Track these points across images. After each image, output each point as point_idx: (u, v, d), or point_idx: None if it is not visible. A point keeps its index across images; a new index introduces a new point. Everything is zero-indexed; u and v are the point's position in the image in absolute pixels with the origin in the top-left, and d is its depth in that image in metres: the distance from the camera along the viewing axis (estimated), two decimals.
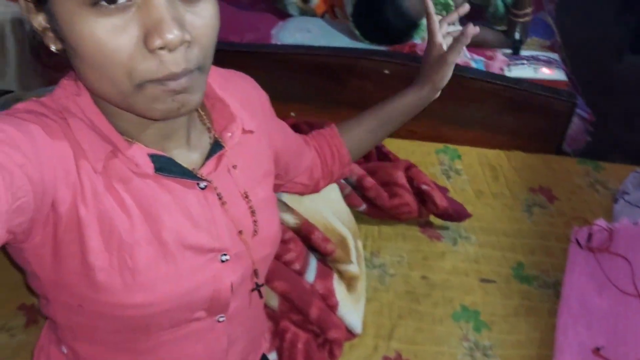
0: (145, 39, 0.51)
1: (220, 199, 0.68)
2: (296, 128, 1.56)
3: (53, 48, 0.56)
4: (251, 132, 0.72)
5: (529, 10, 1.83)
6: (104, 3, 0.49)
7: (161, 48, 0.51)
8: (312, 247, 1.16)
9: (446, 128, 1.61)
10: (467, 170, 1.54)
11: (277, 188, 0.91)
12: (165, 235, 0.63)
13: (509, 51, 1.88)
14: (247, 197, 0.71)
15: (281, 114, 1.68)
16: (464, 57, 1.70)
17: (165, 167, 0.63)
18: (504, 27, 1.95)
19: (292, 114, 1.70)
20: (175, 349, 0.71)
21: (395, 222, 1.39)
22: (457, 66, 1.54)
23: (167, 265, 0.63)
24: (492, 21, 2.09)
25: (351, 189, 1.36)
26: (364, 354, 1.12)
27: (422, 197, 1.35)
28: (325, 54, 1.61)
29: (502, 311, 1.20)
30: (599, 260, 1.23)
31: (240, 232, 0.70)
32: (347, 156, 0.97)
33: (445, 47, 0.93)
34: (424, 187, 1.34)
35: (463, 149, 1.59)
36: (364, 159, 1.51)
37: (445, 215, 1.35)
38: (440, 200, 1.33)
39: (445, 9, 1.91)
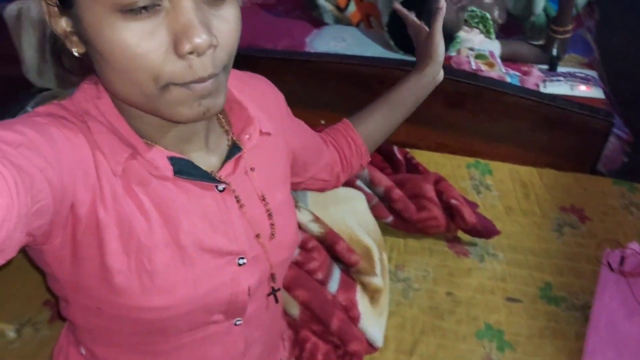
0: (175, 44, 0.51)
1: (238, 201, 0.68)
2: None
3: (75, 52, 0.57)
4: (268, 134, 0.73)
5: (569, 27, 1.80)
6: (134, 8, 0.50)
7: (190, 52, 0.51)
8: (336, 257, 1.16)
9: (478, 142, 1.59)
10: (497, 186, 1.51)
11: (297, 186, 0.92)
12: (183, 238, 0.63)
13: (545, 67, 1.85)
14: (264, 199, 0.72)
15: (311, 121, 1.69)
16: (499, 71, 1.67)
17: (184, 169, 0.63)
18: (541, 42, 1.93)
19: (322, 121, 1.69)
20: (192, 351, 0.71)
21: (422, 236, 1.37)
22: (491, 80, 1.54)
23: (184, 268, 0.63)
24: (530, 34, 2.06)
25: (378, 200, 1.35)
26: None
27: (451, 212, 1.33)
28: (357, 63, 1.60)
29: (527, 332, 1.17)
30: (631, 285, 1.19)
31: (257, 235, 0.70)
32: (363, 147, 0.98)
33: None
34: (453, 201, 1.32)
35: (494, 164, 1.56)
36: (393, 170, 1.50)
37: (473, 231, 1.33)
38: (469, 215, 1.31)
39: (482, 22, 1.89)
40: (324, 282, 1.11)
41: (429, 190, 1.34)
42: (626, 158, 1.67)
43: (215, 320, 0.70)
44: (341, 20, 2.03)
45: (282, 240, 0.74)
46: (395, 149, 1.52)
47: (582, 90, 1.70)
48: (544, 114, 1.47)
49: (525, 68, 1.83)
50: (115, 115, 0.60)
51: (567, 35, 1.82)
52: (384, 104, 0.98)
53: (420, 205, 1.33)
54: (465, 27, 1.89)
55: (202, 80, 0.53)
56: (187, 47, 0.51)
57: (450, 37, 1.79)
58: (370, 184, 1.36)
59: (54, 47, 0.60)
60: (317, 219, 1.17)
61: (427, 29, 0.98)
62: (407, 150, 1.56)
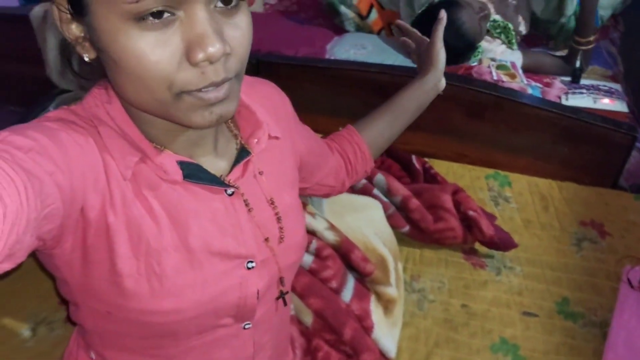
0: (188, 52, 0.52)
1: (247, 205, 0.69)
2: None
3: (86, 57, 0.57)
4: (277, 138, 0.73)
5: (592, 38, 1.78)
6: (149, 18, 0.50)
7: (202, 61, 0.52)
8: (351, 265, 1.15)
9: (498, 153, 1.58)
10: (516, 198, 1.50)
11: (303, 191, 0.92)
12: (192, 241, 0.64)
13: (568, 79, 1.83)
14: (272, 203, 0.72)
15: (330, 129, 1.68)
16: (521, 82, 1.66)
17: (194, 173, 0.64)
18: (564, 52, 1.91)
19: (341, 128, 1.69)
20: (201, 355, 0.71)
21: (438, 247, 1.36)
22: (512, 92, 1.53)
23: (193, 271, 0.64)
24: (555, 44, 2.04)
25: (395, 209, 1.34)
26: None
27: (469, 223, 1.32)
28: (377, 71, 1.60)
29: (543, 347, 1.15)
30: None
31: (266, 239, 0.70)
32: (368, 153, 0.99)
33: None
34: (471, 213, 1.31)
35: (514, 176, 1.55)
36: (410, 180, 1.49)
37: (490, 244, 1.31)
38: (486, 227, 1.29)
39: (504, 32, 1.88)
40: (337, 291, 1.10)
41: (447, 200, 1.33)
42: None
43: (224, 324, 0.70)
44: (362, 28, 2.03)
45: (291, 244, 0.75)
46: (414, 158, 1.52)
47: (605, 103, 1.68)
48: (566, 126, 1.45)
49: (547, 80, 1.81)
50: (126, 120, 0.61)
51: (590, 47, 1.80)
52: (386, 111, 1.00)
53: (437, 215, 1.32)
54: (487, 37, 1.87)
55: (214, 84, 0.54)
56: (200, 55, 0.51)
57: (472, 47, 1.78)
58: (387, 193, 1.35)
59: (64, 51, 0.61)
60: (332, 227, 1.16)
61: (427, 39, 0.99)
62: (426, 159, 1.55)
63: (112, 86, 0.60)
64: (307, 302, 1.07)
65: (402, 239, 1.35)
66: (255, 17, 2.06)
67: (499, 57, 1.82)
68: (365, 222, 1.24)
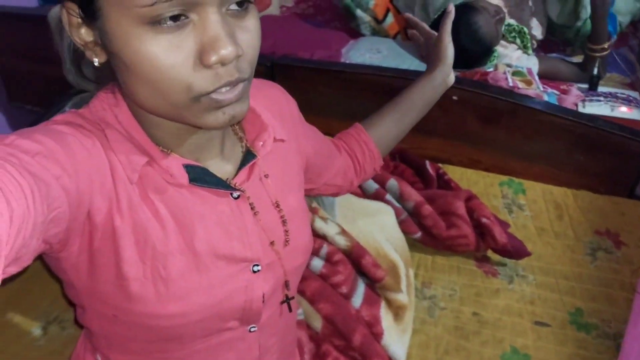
0: (201, 55, 0.53)
1: (252, 208, 0.69)
2: None
3: (96, 62, 0.58)
4: (282, 140, 0.73)
5: (605, 45, 1.76)
6: (163, 21, 0.51)
7: (216, 63, 0.53)
8: (361, 271, 1.15)
9: (512, 160, 1.56)
10: (530, 206, 1.48)
11: (310, 192, 0.93)
12: (198, 245, 0.64)
13: (585, 86, 1.81)
14: (278, 206, 0.72)
15: None
16: (537, 89, 1.64)
17: (200, 177, 0.64)
18: (581, 58, 1.89)
19: None
20: (207, 358, 0.72)
21: (450, 254, 1.35)
22: (527, 98, 1.51)
23: (199, 275, 0.64)
24: (572, 50, 2.02)
25: (407, 215, 1.33)
26: None
27: (481, 230, 1.31)
28: (391, 75, 1.59)
29: (555, 358, 1.14)
30: None
31: (272, 242, 0.70)
32: (376, 151, 0.98)
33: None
34: (484, 220, 1.30)
35: (528, 184, 1.53)
36: (424, 186, 1.48)
37: (503, 252, 1.30)
38: (499, 235, 1.28)
39: (520, 36, 1.86)
40: (348, 297, 1.10)
41: (460, 207, 1.32)
42: None
43: (229, 327, 0.70)
44: (378, 31, 2.02)
45: (296, 247, 0.75)
46: (427, 163, 1.51)
47: (623, 111, 1.66)
48: (582, 134, 1.44)
49: (564, 87, 1.79)
50: (133, 123, 0.61)
51: (605, 54, 1.78)
52: (394, 108, 0.99)
53: (450, 222, 1.31)
54: (503, 42, 1.86)
55: (230, 84, 0.55)
56: (213, 58, 0.52)
57: (488, 51, 1.77)
58: (400, 198, 1.35)
59: (73, 54, 0.61)
60: (343, 232, 1.16)
61: (435, 33, 0.98)
62: (440, 165, 1.54)
63: (122, 90, 0.61)
64: (317, 307, 1.06)
65: (414, 245, 1.34)
66: (271, 19, 2.08)
67: (515, 63, 1.80)
68: (377, 227, 1.24)
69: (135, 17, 0.51)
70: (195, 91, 0.54)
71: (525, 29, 1.89)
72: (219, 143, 0.68)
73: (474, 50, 1.74)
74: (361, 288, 1.12)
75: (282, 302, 0.76)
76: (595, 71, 1.79)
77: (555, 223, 1.44)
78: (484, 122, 1.54)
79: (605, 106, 1.64)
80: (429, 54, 1.00)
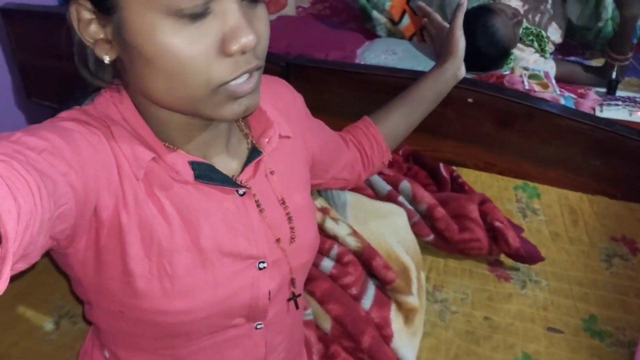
0: (223, 44, 0.53)
1: (258, 206, 0.68)
2: None
3: (107, 59, 0.57)
4: (288, 137, 0.73)
5: (629, 55, 1.74)
6: (187, 13, 0.51)
7: (237, 51, 0.54)
8: (372, 273, 1.14)
9: (527, 164, 1.55)
10: (545, 211, 1.47)
11: (318, 186, 0.93)
12: (203, 242, 0.64)
13: (603, 90, 1.79)
14: (284, 203, 0.72)
15: None
16: (553, 92, 1.62)
17: (205, 174, 0.64)
18: (600, 62, 1.87)
19: None
20: (213, 355, 0.72)
21: (462, 257, 1.34)
22: (543, 102, 1.49)
23: (205, 272, 0.64)
24: (592, 54, 1.99)
25: (420, 217, 1.33)
26: None
27: (495, 234, 1.29)
28: (406, 77, 1.58)
29: None
30: None
31: (278, 240, 0.70)
32: (384, 144, 0.98)
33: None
34: (497, 224, 1.29)
35: (543, 188, 1.51)
36: (437, 188, 1.47)
37: (516, 256, 1.29)
38: (513, 239, 1.27)
39: (537, 40, 1.84)
40: (357, 298, 1.09)
41: (473, 210, 1.31)
42: None
43: (236, 324, 0.70)
44: (394, 33, 2.02)
45: (302, 244, 0.74)
46: (442, 166, 1.50)
47: None
48: (598, 138, 1.42)
49: (581, 90, 1.77)
50: (138, 120, 0.61)
51: (627, 63, 1.77)
52: (404, 101, 0.98)
53: (463, 225, 1.30)
54: (520, 45, 1.84)
55: (249, 71, 0.56)
56: (235, 47, 0.53)
57: (505, 54, 1.75)
58: (413, 200, 1.34)
59: (80, 51, 0.61)
60: (354, 233, 1.15)
61: (447, 25, 0.97)
62: (454, 168, 1.53)
63: (130, 86, 0.61)
64: (326, 307, 1.06)
65: (426, 248, 1.33)
66: (287, 20, 2.08)
67: (531, 66, 1.78)
68: (389, 229, 1.23)
69: (159, 9, 0.51)
70: (215, 82, 0.55)
71: (543, 32, 1.87)
72: (225, 140, 0.68)
73: (490, 53, 1.72)
74: (371, 290, 1.12)
75: (289, 300, 0.76)
76: (614, 75, 1.77)
77: (570, 228, 1.42)
78: (499, 125, 1.52)
79: (623, 110, 1.62)
80: (440, 47, 0.99)
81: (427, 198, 1.32)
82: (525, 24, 1.87)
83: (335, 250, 1.12)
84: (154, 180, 0.62)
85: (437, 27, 1.04)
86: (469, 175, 1.56)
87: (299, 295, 0.77)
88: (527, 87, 1.55)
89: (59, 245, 0.57)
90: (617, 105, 1.64)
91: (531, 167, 1.53)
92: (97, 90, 0.68)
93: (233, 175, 0.68)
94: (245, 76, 0.56)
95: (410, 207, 1.32)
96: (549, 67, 1.83)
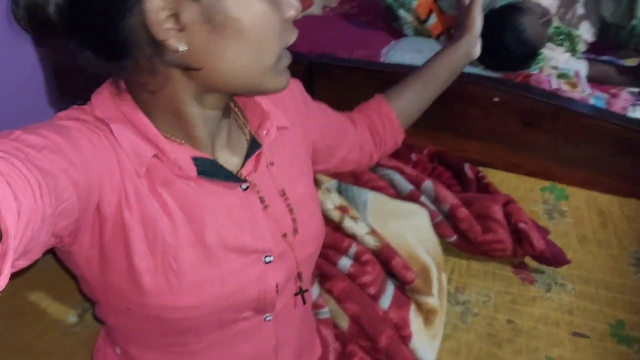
0: (285, 11, 0.58)
1: (261, 199, 0.68)
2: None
3: (182, 47, 0.56)
4: (285, 128, 0.73)
5: None
6: None
7: (295, 17, 0.60)
8: (391, 273, 1.13)
9: (555, 165, 1.51)
10: (572, 213, 1.43)
11: (326, 172, 0.93)
12: (208, 237, 0.64)
13: (636, 90, 1.74)
14: (284, 194, 0.71)
15: None
16: (583, 92, 1.58)
17: (208, 169, 0.64)
18: (635, 61, 1.82)
19: None
20: (224, 350, 0.72)
21: (486, 259, 1.31)
22: (571, 101, 1.46)
23: (211, 267, 0.64)
24: (625, 53, 1.94)
25: (442, 217, 1.31)
26: None
27: (519, 236, 1.27)
28: None
29: None
30: None
31: (284, 234, 0.70)
32: (397, 123, 0.98)
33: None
34: (522, 225, 1.26)
35: (571, 190, 1.48)
36: (462, 189, 1.45)
37: (541, 258, 1.26)
38: (537, 241, 1.24)
39: (568, 39, 1.80)
40: (376, 297, 1.08)
41: (497, 211, 1.29)
42: None
43: (244, 317, 0.70)
44: (421, 32, 1.99)
45: (306, 235, 0.74)
46: (467, 166, 1.48)
47: None
48: (629, 139, 1.38)
49: (614, 90, 1.72)
50: (139, 116, 0.61)
51: None
52: (417, 78, 0.97)
53: (486, 226, 1.27)
54: (550, 45, 1.80)
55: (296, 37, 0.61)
56: (293, 12, 0.59)
57: (533, 53, 1.72)
58: (435, 200, 1.32)
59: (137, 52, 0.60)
60: (373, 232, 1.14)
61: (467, 1, 0.96)
62: (479, 168, 1.51)
63: (203, 74, 0.58)
64: (343, 306, 1.05)
65: (448, 249, 1.31)
66: (312, 19, 2.07)
67: (562, 66, 1.74)
68: (410, 229, 1.21)
69: None
70: (282, 47, 0.60)
71: (574, 32, 1.83)
72: (227, 134, 0.68)
73: (518, 52, 1.69)
74: (390, 290, 1.10)
75: (296, 294, 0.76)
76: None
77: (598, 231, 1.38)
78: (525, 125, 1.49)
79: None
80: (458, 24, 0.98)
81: (450, 198, 1.30)
82: (556, 22, 1.83)
83: (354, 249, 1.12)
84: (156, 176, 0.62)
85: (460, 2, 1.02)
86: (494, 176, 1.53)
87: (306, 290, 0.77)
88: (554, 86, 1.52)
89: (62, 242, 0.57)
90: None
91: (558, 168, 1.50)
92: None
93: (237, 171, 0.68)
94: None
95: (432, 207, 1.31)
96: (581, 66, 1.79)
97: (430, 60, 0.96)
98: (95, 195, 0.56)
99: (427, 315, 1.11)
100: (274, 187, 0.71)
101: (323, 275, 1.11)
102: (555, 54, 1.80)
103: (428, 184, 1.33)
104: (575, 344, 1.14)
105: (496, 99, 1.50)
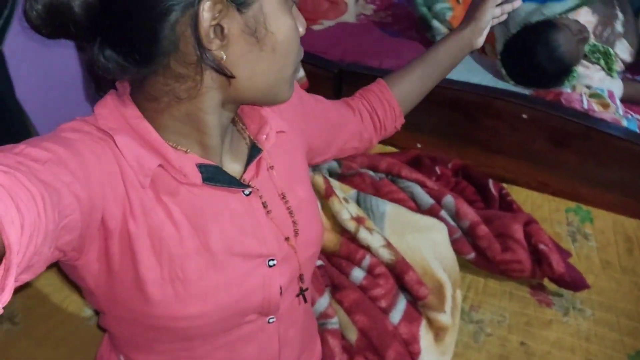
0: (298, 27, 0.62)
1: (264, 204, 0.68)
2: (419, 161, 1.52)
3: (224, 55, 0.57)
4: (283, 132, 0.74)
5: None
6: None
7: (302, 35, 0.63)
8: (404, 287, 1.12)
9: (582, 187, 1.48)
10: (597, 237, 1.40)
11: (325, 162, 0.95)
12: (213, 244, 0.64)
13: None
14: (284, 197, 0.72)
15: (407, 144, 1.64)
16: (615, 113, 1.55)
17: (213, 176, 0.64)
18: None
19: (418, 145, 1.66)
20: (229, 352, 0.72)
21: (504, 278, 1.29)
22: (602, 122, 1.43)
23: (216, 274, 0.64)
24: None
25: (462, 234, 1.29)
26: None
27: (539, 257, 1.24)
28: (458, 89, 1.55)
29: None
30: None
31: (287, 238, 0.71)
32: (398, 108, 0.97)
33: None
34: (542, 246, 1.23)
35: (597, 212, 1.44)
36: (484, 205, 1.43)
37: (560, 281, 1.23)
38: (557, 263, 1.21)
39: (604, 58, 1.76)
40: (386, 311, 1.07)
41: (518, 230, 1.26)
42: None
43: (249, 320, 0.71)
44: None
45: (307, 238, 0.74)
46: (491, 183, 1.45)
47: None
48: None
49: None
50: (144, 125, 0.61)
51: None
52: (420, 64, 0.96)
53: (505, 245, 1.25)
54: (585, 62, 1.76)
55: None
56: (301, 30, 0.63)
57: (567, 71, 1.68)
58: (455, 216, 1.30)
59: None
60: (389, 245, 1.13)
61: None
62: (504, 185, 1.48)
63: (236, 83, 0.59)
64: (353, 318, 1.05)
65: (466, 266, 1.29)
66: (345, 26, 2.07)
67: (595, 85, 1.70)
68: (427, 244, 1.20)
69: None
70: (298, 60, 0.64)
71: (611, 50, 1.78)
72: (229, 140, 0.68)
73: (550, 69, 1.66)
74: (402, 304, 1.09)
75: (298, 295, 0.77)
76: None
77: (623, 257, 1.35)
78: (554, 144, 1.47)
79: None
80: (467, 13, 0.96)
81: (470, 215, 1.29)
82: (592, 40, 1.79)
83: (367, 261, 1.11)
84: (161, 186, 0.62)
85: None
86: (519, 194, 1.50)
87: (307, 289, 0.78)
88: (585, 106, 1.48)
89: (66, 256, 0.57)
90: None
91: (586, 189, 1.47)
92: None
93: (241, 177, 0.68)
94: None
95: (452, 222, 1.29)
96: (616, 86, 1.75)
97: (433, 47, 0.96)
98: (98, 210, 0.56)
99: (438, 332, 1.10)
100: (274, 190, 0.72)
101: (335, 286, 1.11)
102: (589, 73, 1.76)
103: (449, 198, 1.31)
104: None
105: (524, 116, 1.48)
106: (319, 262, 1.13)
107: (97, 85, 0.64)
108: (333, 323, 1.04)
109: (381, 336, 1.03)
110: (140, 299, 0.62)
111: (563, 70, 1.68)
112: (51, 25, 0.54)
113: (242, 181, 0.67)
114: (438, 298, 1.12)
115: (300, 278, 0.75)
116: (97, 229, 0.58)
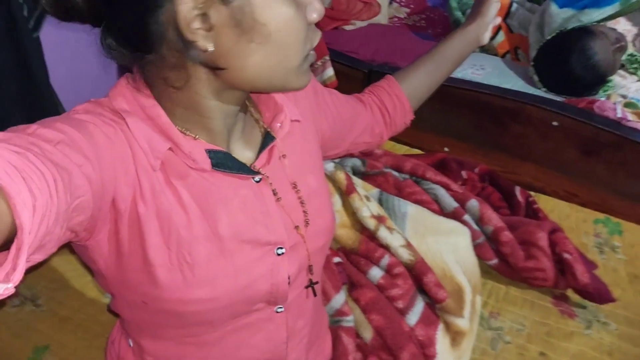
0: (308, 14, 0.59)
1: (274, 192, 0.68)
2: (445, 164, 1.51)
3: (210, 47, 0.56)
4: (297, 121, 0.73)
5: None
6: None
7: (317, 20, 0.60)
8: (422, 289, 1.10)
9: (612, 198, 1.45)
10: (625, 250, 1.36)
11: (337, 155, 0.94)
12: (222, 230, 0.64)
13: None
14: (295, 187, 0.71)
15: (434, 147, 1.63)
16: None
17: (223, 162, 0.64)
18: None
19: (446, 149, 1.64)
20: (236, 340, 0.72)
21: (526, 286, 1.26)
22: (635, 132, 1.39)
23: (225, 260, 0.64)
24: None
25: (485, 239, 1.27)
26: None
27: (563, 267, 1.22)
28: (488, 93, 1.53)
29: None
30: None
31: (297, 227, 0.70)
32: (407, 104, 0.97)
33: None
34: (566, 255, 1.21)
35: (627, 225, 1.41)
36: (510, 212, 1.41)
37: (584, 293, 1.20)
38: (581, 274, 1.18)
39: None
40: (403, 312, 1.06)
41: (542, 238, 1.24)
42: None
43: (257, 308, 0.71)
44: (487, 49, 1.95)
45: (317, 228, 0.74)
46: (517, 190, 1.43)
47: None
48: None
49: None
50: (156, 109, 0.61)
51: None
52: (428, 60, 0.97)
53: (529, 253, 1.23)
54: (622, 72, 1.72)
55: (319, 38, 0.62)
56: (315, 15, 0.59)
57: (602, 80, 1.65)
58: (479, 221, 1.28)
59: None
60: (409, 245, 1.12)
61: None
62: (531, 193, 1.46)
63: (227, 73, 0.59)
64: (369, 317, 1.04)
65: (488, 272, 1.27)
66: (378, 28, 2.07)
67: (631, 95, 1.66)
68: (448, 247, 1.18)
69: None
70: (307, 49, 0.60)
71: None
72: (241, 126, 0.68)
73: (585, 78, 1.62)
74: (419, 306, 1.08)
75: (307, 287, 0.76)
76: None
77: None
78: (584, 153, 1.44)
79: None
80: (473, 9, 0.97)
81: (494, 220, 1.27)
82: (630, 49, 1.75)
83: (386, 260, 1.10)
84: (171, 169, 0.62)
85: None
86: (547, 203, 1.48)
87: (317, 282, 0.77)
88: (619, 115, 1.45)
89: (78, 237, 0.58)
90: None
91: (616, 201, 1.43)
92: None
93: (252, 164, 0.68)
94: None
95: (475, 227, 1.27)
96: None
97: (441, 43, 0.97)
98: (109, 191, 0.57)
99: (455, 336, 1.08)
100: (285, 179, 0.71)
101: (352, 284, 1.10)
102: (626, 83, 1.72)
103: (473, 202, 1.29)
104: None
105: (555, 123, 1.45)
106: (337, 259, 1.12)
107: (124, 70, 0.65)
108: (348, 321, 1.03)
109: (396, 337, 1.01)
110: (149, 282, 0.62)
111: (598, 79, 1.64)
112: (58, 10, 0.56)
113: (252, 168, 0.67)
114: (457, 302, 1.11)
115: (310, 269, 0.74)
116: (108, 210, 0.58)
